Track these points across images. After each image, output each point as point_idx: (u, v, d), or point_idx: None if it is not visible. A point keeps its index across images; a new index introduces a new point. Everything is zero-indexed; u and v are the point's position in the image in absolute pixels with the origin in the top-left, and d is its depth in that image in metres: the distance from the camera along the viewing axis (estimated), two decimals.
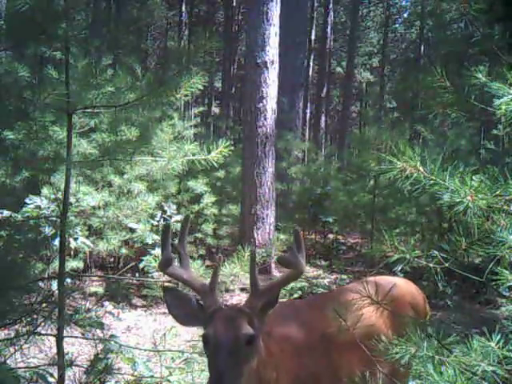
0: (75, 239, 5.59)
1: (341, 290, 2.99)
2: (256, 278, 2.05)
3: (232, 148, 2.85)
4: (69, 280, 2.98)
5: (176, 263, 2.22)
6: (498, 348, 1.51)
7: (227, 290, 6.06)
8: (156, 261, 4.79)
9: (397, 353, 1.59)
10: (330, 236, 10.53)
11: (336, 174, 10.82)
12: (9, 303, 2.37)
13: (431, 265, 1.73)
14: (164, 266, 2.17)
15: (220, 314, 1.97)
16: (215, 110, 26.84)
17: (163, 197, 6.77)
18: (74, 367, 2.93)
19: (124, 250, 6.67)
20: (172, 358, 3.64)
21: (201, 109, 14.53)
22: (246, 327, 1.92)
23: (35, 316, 2.57)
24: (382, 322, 2.39)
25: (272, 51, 8.04)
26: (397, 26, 29.02)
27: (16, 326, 2.57)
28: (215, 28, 26.79)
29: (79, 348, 4.50)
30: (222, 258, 2.17)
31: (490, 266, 1.68)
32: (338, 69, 28.22)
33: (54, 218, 3.05)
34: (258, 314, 1.99)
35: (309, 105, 20.20)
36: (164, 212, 6.86)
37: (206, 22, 25.83)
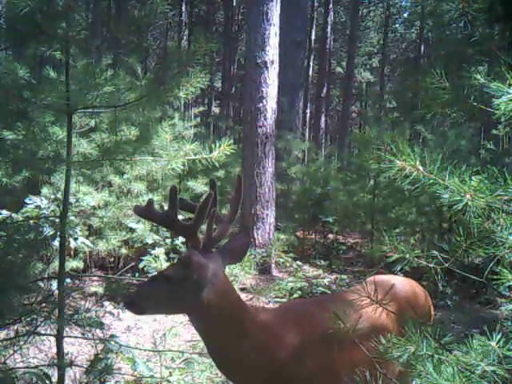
0: (75, 239, 5.59)
1: (350, 289, 3.02)
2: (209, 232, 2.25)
3: (234, 147, 2.85)
4: (69, 280, 2.98)
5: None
6: (498, 347, 1.51)
7: None
8: (156, 261, 4.80)
9: (396, 352, 1.59)
10: (330, 236, 10.53)
11: (336, 174, 10.82)
12: (9, 303, 2.37)
13: (431, 265, 1.73)
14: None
15: None
16: (215, 109, 26.86)
17: (163, 197, 6.77)
18: (73, 367, 2.93)
19: (124, 250, 6.67)
20: (172, 358, 3.64)
21: (201, 109, 14.50)
22: (169, 270, 2.26)
23: (35, 316, 2.57)
24: (388, 319, 2.39)
25: (272, 51, 8.04)
26: (397, 26, 29.04)
27: (16, 326, 2.57)
28: (215, 28, 26.81)
29: (79, 348, 4.50)
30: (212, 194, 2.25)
31: (490, 265, 1.68)
32: (338, 69, 28.25)
33: (54, 218, 3.05)
34: (188, 264, 2.18)
35: (309, 105, 20.25)
36: None
37: (206, 22, 25.85)
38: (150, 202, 2.33)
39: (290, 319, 2.36)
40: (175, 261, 2.37)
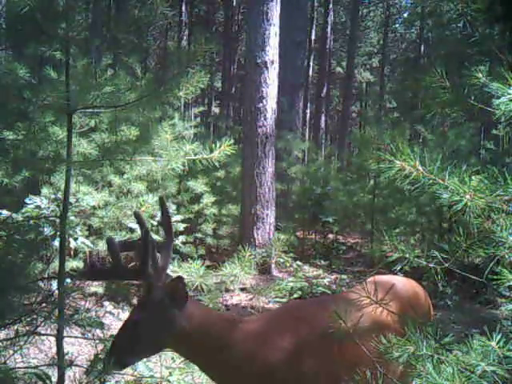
0: (75, 239, 5.59)
1: (351, 290, 3.02)
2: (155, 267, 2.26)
3: (235, 147, 2.85)
4: (69, 280, 2.98)
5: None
6: (498, 347, 1.51)
7: (227, 290, 6.06)
8: None
9: (396, 352, 1.59)
10: (330, 236, 10.53)
11: (336, 174, 10.82)
12: (9, 303, 2.37)
13: (431, 265, 1.73)
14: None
15: None
16: (215, 109, 26.86)
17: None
18: (73, 367, 2.92)
19: None
20: (172, 358, 3.64)
21: (201, 109, 14.53)
22: (135, 313, 2.24)
23: (35, 316, 2.57)
24: (390, 317, 2.39)
25: (272, 51, 8.04)
26: (397, 26, 29.04)
27: (16, 326, 2.57)
28: (215, 28, 26.80)
29: (79, 348, 4.50)
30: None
31: (490, 265, 1.68)
32: (338, 69, 28.25)
33: (54, 218, 3.05)
34: (150, 303, 2.22)
35: (309, 105, 20.23)
36: None
37: (206, 22, 25.84)
38: (93, 264, 2.37)
39: (285, 322, 2.36)
40: (136, 304, 2.39)
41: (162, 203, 2.46)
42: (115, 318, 4.52)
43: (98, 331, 2.86)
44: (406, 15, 27.74)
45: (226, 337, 2.25)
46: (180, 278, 2.21)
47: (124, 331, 2.24)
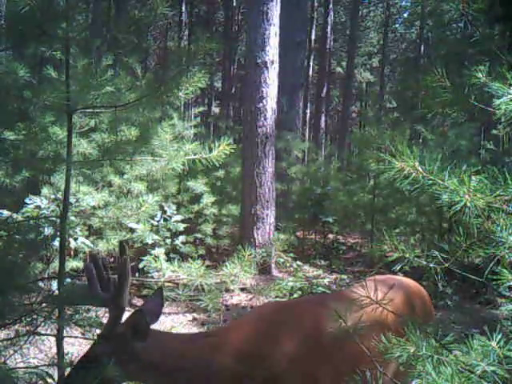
0: (75, 239, 5.59)
1: (351, 288, 3.01)
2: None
3: (234, 146, 2.85)
4: (69, 280, 2.98)
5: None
6: (499, 347, 1.51)
7: (227, 290, 6.06)
8: (156, 261, 4.80)
9: (396, 352, 1.59)
10: (330, 236, 10.53)
11: (336, 174, 10.82)
12: (9, 303, 2.37)
13: (431, 265, 1.73)
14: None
15: None
16: (215, 109, 26.87)
17: (163, 197, 6.77)
18: None
19: None
20: None
21: (201, 109, 14.50)
22: (98, 347, 2.25)
23: (35, 316, 2.57)
24: (389, 316, 2.39)
25: (272, 51, 8.04)
26: (397, 26, 29.06)
27: (16, 326, 2.57)
28: (215, 28, 26.82)
29: (79, 348, 4.50)
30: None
31: (490, 265, 1.68)
32: (338, 69, 28.26)
33: (54, 218, 3.05)
34: (113, 336, 2.25)
35: (309, 105, 20.25)
36: (164, 212, 6.86)
37: (206, 22, 25.85)
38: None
39: (262, 327, 2.34)
40: (97, 338, 2.38)
41: (121, 248, 2.44)
42: None
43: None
44: (406, 15, 27.77)
45: (196, 357, 2.23)
46: (140, 311, 2.22)
47: (85, 364, 2.21)
